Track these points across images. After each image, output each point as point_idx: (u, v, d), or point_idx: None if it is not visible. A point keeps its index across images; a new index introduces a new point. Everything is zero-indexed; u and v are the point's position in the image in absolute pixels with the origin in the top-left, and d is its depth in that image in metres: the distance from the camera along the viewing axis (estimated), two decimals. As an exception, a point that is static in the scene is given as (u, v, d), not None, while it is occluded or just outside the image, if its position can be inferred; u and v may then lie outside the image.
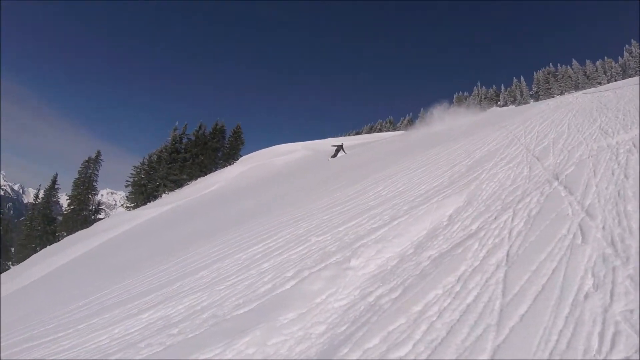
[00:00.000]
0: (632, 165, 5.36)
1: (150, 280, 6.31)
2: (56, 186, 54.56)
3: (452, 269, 3.45)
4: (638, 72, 59.83)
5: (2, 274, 30.47)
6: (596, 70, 73.01)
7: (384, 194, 7.47)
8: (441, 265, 3.60)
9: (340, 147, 27.70)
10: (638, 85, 17.11)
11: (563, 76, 75.10)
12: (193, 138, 53.06)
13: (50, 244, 39.99)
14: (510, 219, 4.41)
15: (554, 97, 49.37)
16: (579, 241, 3.45)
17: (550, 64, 79.08)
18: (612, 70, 71.33)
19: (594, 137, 7.96)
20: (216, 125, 55.96)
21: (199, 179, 47.39)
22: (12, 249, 51.45)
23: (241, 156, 53.33)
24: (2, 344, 5.16)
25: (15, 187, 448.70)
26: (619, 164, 5.62)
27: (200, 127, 54.41)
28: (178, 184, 47.91)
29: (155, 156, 51.04)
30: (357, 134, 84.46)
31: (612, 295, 2.60)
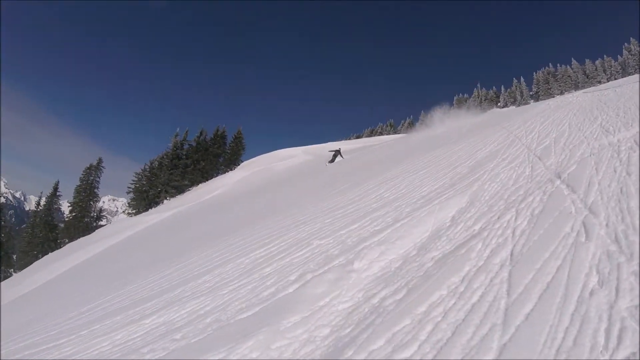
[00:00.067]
0: (634, 163, 5.33)
1: (152, 286, 6.31)
2: (58, 193, 54.66)
3: (456, 270, 3.43)
4: (637, 70, 59.89)
5: (3, 281, 30.48)
6: (596, 69, 72.95)
7: (385, 196, 7.47)
8: (445, 266, 3.58)
9: (337, 152, 27.55)
10: (638, 83, 17.12)
11: (563, 76, 75.06)
12: (194, 144, 53.19)
13: (52, 251, 40.08)
14: (513, 219, 4.39)
15: (554, 97, 49.46)
16: (582, 239, 3.43)
17: (550, 64, 79.10)
18: (612, 68, 71.26)
19: (595, 136, 7.95)
20: (217, 131, 56.08)
21: (200, 184, 47.52)
22: (14, 256, 51.53)
23: (242, 161, 53.50)
24: (3, 351, 5.15)
25: (17, 195, 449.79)
26: (620, 162, 5.59)
27: (201, 133, 54.55)
28: (180, 189, 48.00)
29: (156, 162, 51.18)
30: (357, 137, 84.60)
31: (617, 291, 2.58)
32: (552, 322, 2.40)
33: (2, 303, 15.35)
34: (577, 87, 66.45)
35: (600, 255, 3.09)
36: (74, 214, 51.04)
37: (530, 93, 78.44)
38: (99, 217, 53.63)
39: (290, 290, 4.08)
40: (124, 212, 55.99)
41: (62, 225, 53.10)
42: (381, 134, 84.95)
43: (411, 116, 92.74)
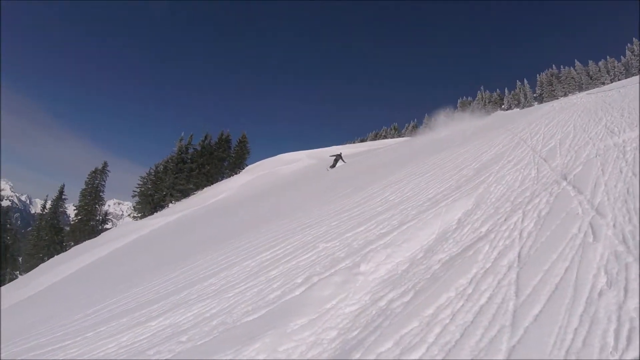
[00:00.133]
0: (640, 163, 5.33)
1: (157, 288, 6.30)
2: (63, 197, 54.81)
3: (464, 272, 3.42)
4: (640, 71, 59.68)
5: (9, 283, 30.60)
6: (599, 70, 72.69)
7: (391, 199, 7.46)
8: (452, 268, 3.57)
9: (338, 157, 27.28)
10: (640, 84, 17.08)
11: (566, 77, 74.85)
12: (199, 148, 53.24)
13: (58, 253, 40.15)
14: (520, 220, 4.39)
15: (558, 98, 49.30)
16: (590, 240, 3.42)
17: (553, 65, 78.90)
18: (615, 69, 71.00)
19: (600, 137, 7.94)
20: (222, 135, 56.17)
21: (205, 188, 47.56)
22: (20, 259, 51.72)
23: (247, 165, 53.55)
24: (6, 353, 5.16)
25: (23, 198, 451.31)
26: (626, 162, 5.59)
27: (206, 137, 54.63)
28: (185, 193, 48.04)
29: (161, 166, 51.25)
30: (362, 141, 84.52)
31: (626, 291, 2.57)
32: (561, 323, 2.39)
33: (8, 305, 15.39)
34: (580, 89, 66.26)
35: (608, 256, 3.08)
36: (79, 217, 51.14)
37: (534, 95, 78.25)
38: (105, 221, 53.71)
39: (297, 292, 4.08)
40: (129, 215, 56.06)
41: (67, 228, 53.25)
42: (385, 137, 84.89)
43: (415, 119, 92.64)
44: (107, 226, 52.78)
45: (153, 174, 51.03)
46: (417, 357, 2.45)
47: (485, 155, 9.26)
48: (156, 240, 19.87)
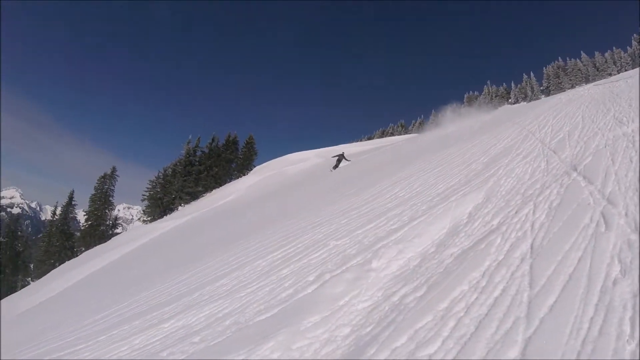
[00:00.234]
0: (651, 152, 5.30)
1: (169, 290, 6.32)
2: (73, 202, 55.15)
3: (477, 265, 3.41)
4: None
5: (21, 290, 30.84)
6: (605, 61, 72.22)
7: (401, 195, 7.44)
8: (465, 262, 3.56)
9: (341, 157, 26.10)
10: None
11: (573, 69, 74.45)
12: (207, 150, 53.47)
13: (69, 259, 40.43)
14: (531, 212, 4.36)
15: (565, 91, 49.03)
16: (602, 229, 3.40)
17: (559, 58, 78.49)
18: (622, 60, 70.54)
19: (609, 127, 7.89)
20: (229, 137, 56.37)
21: (214, 190, 47.76)
22: (31, 265, 52.13)
23: (254, 166, 53.71)
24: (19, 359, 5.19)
25: (33, 205, 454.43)
26: (636, 151, 5.56)
27: (213, 140, 54.84)
28: (194, 196, 48.26)
29: (170, 170, 51.52)
30: (369, 138, 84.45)
31: (640, 280, 2.55)
32: (576, 313, 2.38)
33: (19, 311, 15.51)
34: (587, 80, 65.86)
35: (621, 244, 3.06)
36: (89, 222, 51.44)
37: (541, 88, 77.87)
38: (115, 225, 53.99)
39: (309, 290, 4.07)
40: (139, 219, 56.34)
41: (78, 233, 53.60)
42: (392, 134, 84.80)
43: (422, 116, 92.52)
44: (118, 231, 53.08)
45: (162, 177, 51.31)
46: (432, 351, 2.44)
47: (493, 149, 9.22)
48: (166, 243, 19.94)
